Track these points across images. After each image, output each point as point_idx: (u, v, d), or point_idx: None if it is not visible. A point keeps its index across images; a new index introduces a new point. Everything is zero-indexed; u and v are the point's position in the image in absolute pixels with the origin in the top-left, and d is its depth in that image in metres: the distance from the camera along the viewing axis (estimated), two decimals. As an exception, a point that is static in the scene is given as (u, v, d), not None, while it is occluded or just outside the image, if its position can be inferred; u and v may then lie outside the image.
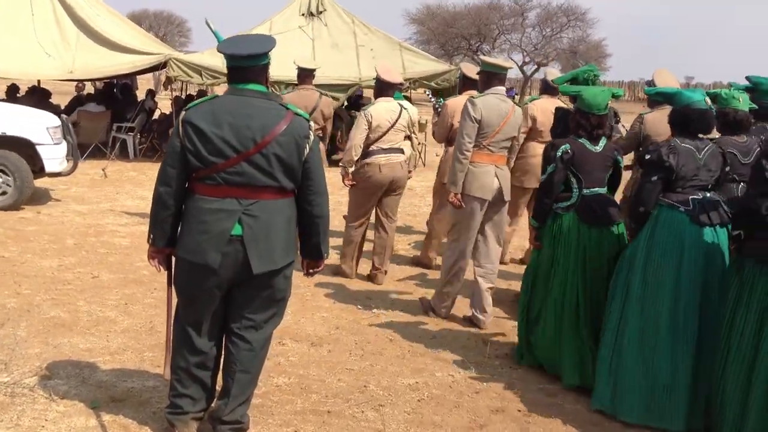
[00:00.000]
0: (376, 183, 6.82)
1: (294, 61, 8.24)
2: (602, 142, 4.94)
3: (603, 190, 4.97)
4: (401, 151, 6.91)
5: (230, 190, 3.61)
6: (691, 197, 4.36)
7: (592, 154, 4.87)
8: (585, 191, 4.87)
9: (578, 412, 4.57)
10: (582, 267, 4.82)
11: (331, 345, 5.40)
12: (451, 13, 49.60)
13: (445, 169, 6.93)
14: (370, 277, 7.16)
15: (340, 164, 7.13)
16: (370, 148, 6.78)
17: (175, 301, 3.87)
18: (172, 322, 3.90)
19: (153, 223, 3.75)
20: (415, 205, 11.34)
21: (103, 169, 12.76)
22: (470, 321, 6.02)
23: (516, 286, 6.44)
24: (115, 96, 16.55)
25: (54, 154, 9.64)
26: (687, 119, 4.42)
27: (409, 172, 7.10)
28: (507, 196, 5.91)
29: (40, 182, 10.36)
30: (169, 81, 14.06)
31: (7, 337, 5.17)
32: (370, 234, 7.30)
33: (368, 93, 17.38)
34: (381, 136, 6.76)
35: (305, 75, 7.97)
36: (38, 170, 9.63)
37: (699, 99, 4.43)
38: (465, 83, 7.15)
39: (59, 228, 8.70)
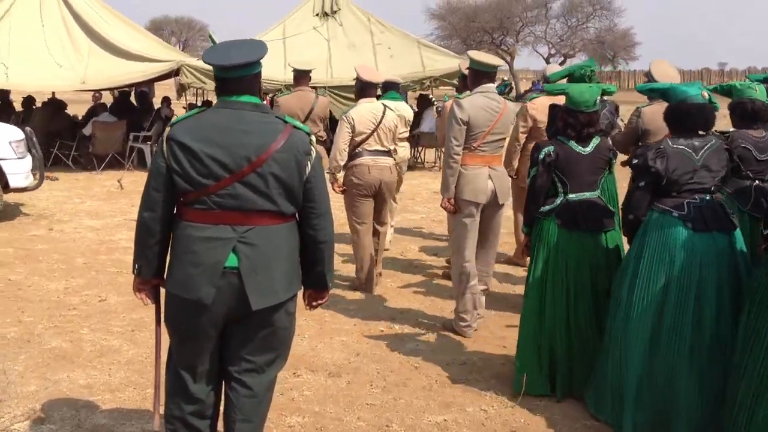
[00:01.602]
0: (367, 184, 6.61)
1: (288, 64, 8.01)
2: (594, 141, 4.65)
3: (593, 194, 4.67)
4: (388, 154, 6.73)
5: (223, 216, 3.17)
6: (686, 201, 4.03)
7: (579, 156, 4.59)
8: (570, 196, 4.60)
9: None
10: (563, 275, 4.54)
11: (350, 375, 4.95)
12: (472, 7, 48.90)
13: None
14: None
15: (327, 171, 6.78)
16: (356, 151, 6.60)
17: (166, 340, 3.44)
18: (164, 364, 3.47)
19: (138, 252, 3.33)
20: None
21: (118, 181, 12.45)
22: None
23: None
24: (131, 105, 16.27)
25: (18, 169, 9.27)
26: (683, 115, 4.10)
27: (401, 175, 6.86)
28: (502, 199, 5.63)
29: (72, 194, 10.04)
30: (182, 88, 13.74)
31: (4, 373, 4.80)
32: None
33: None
34: (366, 139, 6.57)
35: (301, 76, 7.86)
36: (3, 186, 9.25)
37: (695, 93, 4.09)
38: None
39: (70, 246, 8.38)
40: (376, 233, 6.90)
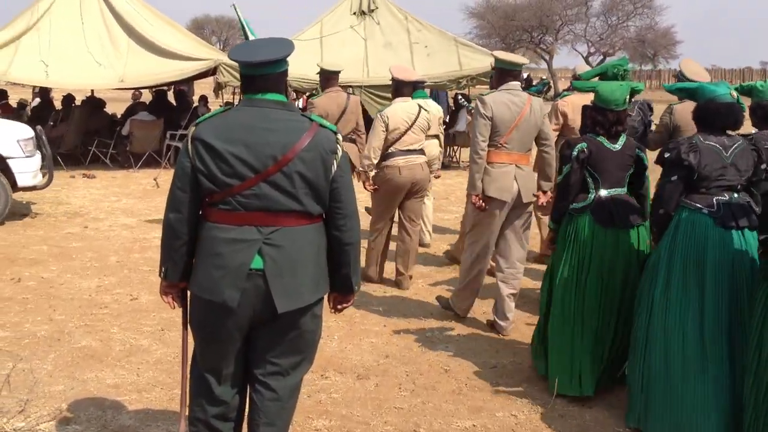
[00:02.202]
0: (397, 185, 6.62)
1: (317, 64, 7.93)
2: (621, 139, 4.65)
3: (622, 191, 4.67)
4: (421, 152, 6.73)
5: (248, 217, 3.11)
6: (716, 198, 4.03)
7: (610, 152, 4.59)
8: (602, 192, 4.60)
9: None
10: (597, 271, 4.52)
11: (378, 377, 4.87)
12: (511, 5, 48.60)
13: None
14: (396, 283, 6.91)
15: (359, 169, 6.83)
16: (389, 150, 6.58)
17: (191, 343, 3.39)
18: (189, 367, 3.42)
19: (165, 254, 3.28)
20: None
21: (155, 179, 12.50)
22: (492, 326, 5.77)
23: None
24: (169, 103, 16.37)
25: (26, 168, 9.20)
26: (711, 114, 4.11)
27: (435, 172, 6.86)
28: (526, 198, 5.57)
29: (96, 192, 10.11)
30: (219, 87, 13.76)
31: (33, 372, 4.80)
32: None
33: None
34: (399, 138, 6.56)
35: (331, 77, 7.67)
36: (12, 184, 9.20)
37: (724, 93, 4.10)
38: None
39: (104, 244, 8.42)
40: (408, 233, 6.86)
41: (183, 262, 3.26)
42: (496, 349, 5.41)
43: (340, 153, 3.19)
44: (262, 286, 3.10)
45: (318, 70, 7.91)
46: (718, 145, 4.05)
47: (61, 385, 4.65)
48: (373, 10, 15.09)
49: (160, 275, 3.32)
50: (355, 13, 15.08)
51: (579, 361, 4.51)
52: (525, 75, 19.16)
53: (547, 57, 48.13)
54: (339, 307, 3.45)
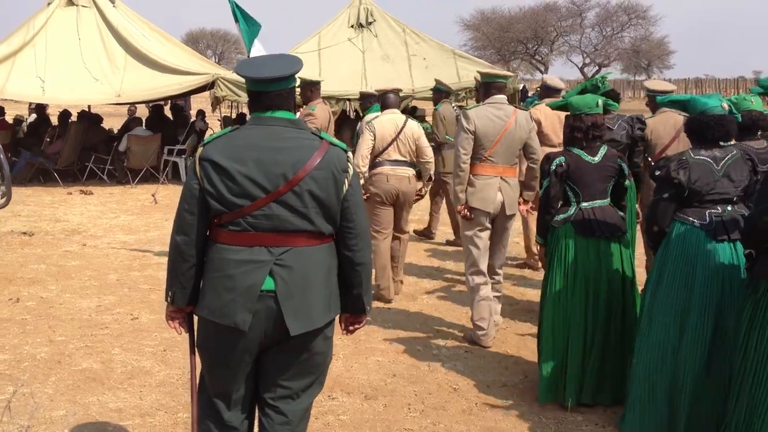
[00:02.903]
0: (386, 192, 6.79)
1: (297, 76, 7.98)
2: (601, 151, 4.74)
3: (604, 202, 4.75)
4: (409, 165, 6.91)
5: (258, 237, 3.02)
6: (708, 211, 4.06)
7: (589, 165, 4.69)
8: (583, 204, 4.68)
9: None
10: (582, 282, 4.59)
11: (387, 398, 4.77)
12: (506, 17, 48.74)
13: None
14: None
15: None
16: (377, 160, 6.80)
17: (199, 367, 3.29)
18: (197, 392, 3.32)
19: (172, 278, 3.18)
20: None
21: (153, 195, 12.42)
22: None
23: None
24: (165, 118, 16.29)
25: None
26: (703, 126, 4.12)
27: (421, 188, 7.05)
28: (510, 210, 5.70)
29: (94, 208, 9.99)
30: (217, 101, 13.70)
31: (33, 396, 4.70)
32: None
33: (422, 105, 16.81)
34: (386, 148, 6.78)
35: (316, 88, 7.85)
36: None
37: (715, 104, 4.12)
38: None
39: (103, 262, 8.32)
40: (396, 240, 7.02)
41: (191, 286, 3.17)
42: (505, 366, 5.32)
43: (351, 171, 3.12)
44: (273, 308, 3.02)
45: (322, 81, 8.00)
46: (708, 159, 4.08)
47: (63, 410, 4.55)
48: (371, 23, 15.07)
49: (166, 300, 3.23)
50: (353, 26, 15.05)
51: (564, 370, 4.58)
52: (521, 86, 19.14)
53: (542, 68, 48.19)
54: (351, 328, 3.37)
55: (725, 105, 4.15)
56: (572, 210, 4.68)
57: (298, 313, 3.04)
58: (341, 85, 13.64)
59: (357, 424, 4.41)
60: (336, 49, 14.72)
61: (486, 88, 5.78)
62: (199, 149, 3.09)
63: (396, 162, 6.79)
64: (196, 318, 3.22)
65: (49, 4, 14.54)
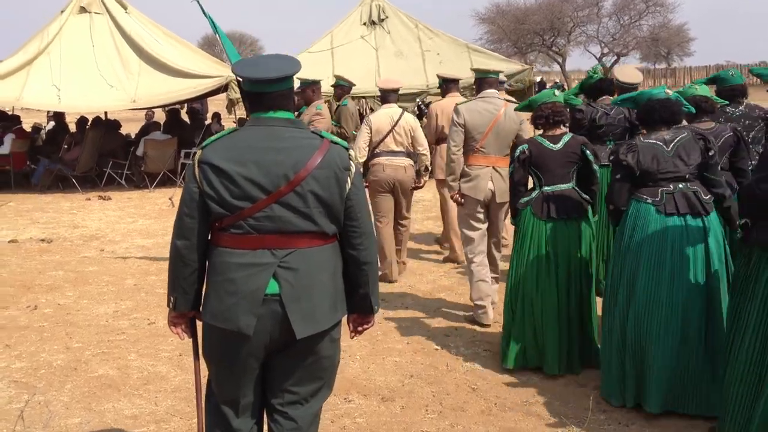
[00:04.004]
0: (383, 180, 7.33)
1: (296, 77, 8.10)
2: (564, 138, 5.13)
3: (567, 186, 5.12)
4: (406, 156, 7.41)
5: (261, 240, 2.96)
6: (661, 189, 4.42)
7: (550, 152, 5.10)
8: (546, 188, 5.09)
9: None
10: (541, 261, 5.01)
11: (404, 399, 4.70)
12: (521, 9, 48.29)
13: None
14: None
15: None
16: (376, 151, 7.37)
17: (205, 374, 3.24)
18: (204, 399, 3.27)
19: (173, 284, 3.13)
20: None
21: (170, 198, 12.42)
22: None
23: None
24: (182, 121, 16.31)
25: None
26: (649, 110, 4.54)
27: (419, 179, 7.53)
28: (500, 198, 6.00)
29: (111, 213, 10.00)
30: (232, 103, 13.68)
31: (49, 404, 4.68)
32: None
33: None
34: (383, 139, 7.32)
35: (317, 87, 8.35)
36: None
37: (659, 91, 4.60)
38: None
39: (120, 267, 8.32)
40: (398, 226, 7.57)
41: (193, 291, 3.13)
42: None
43: (353, 169, 3.05)
44: (278, 312, 2.96)
45: (333, 81, 8.28)
46: (658, 142, 4.45)
47: (78, 417, 4.53)
48: (383, 20, 14.99)
49: (168, 306, 3.18)
50: (365, 24, 14.98)
51: (539, 338, 5.03)
52: (538, 79, 18.99)
53: (559, 59, 47.84)
54: (360, 329, 3.30)
55: (668, 91, 4.61)
56: (535, 194, 5.12)
57: (304, 316, 2.98)
58: (356, 84, 13.55)
59: (373, 427, 4.34)
60: (349, 48, 14.66)
61: (478, 83, 6.26)
62: (198, 152, 3.05)
63: (393, 153, 7.33)
64: (200, 324, 3.16)
65: (62, 11, 14.59)
